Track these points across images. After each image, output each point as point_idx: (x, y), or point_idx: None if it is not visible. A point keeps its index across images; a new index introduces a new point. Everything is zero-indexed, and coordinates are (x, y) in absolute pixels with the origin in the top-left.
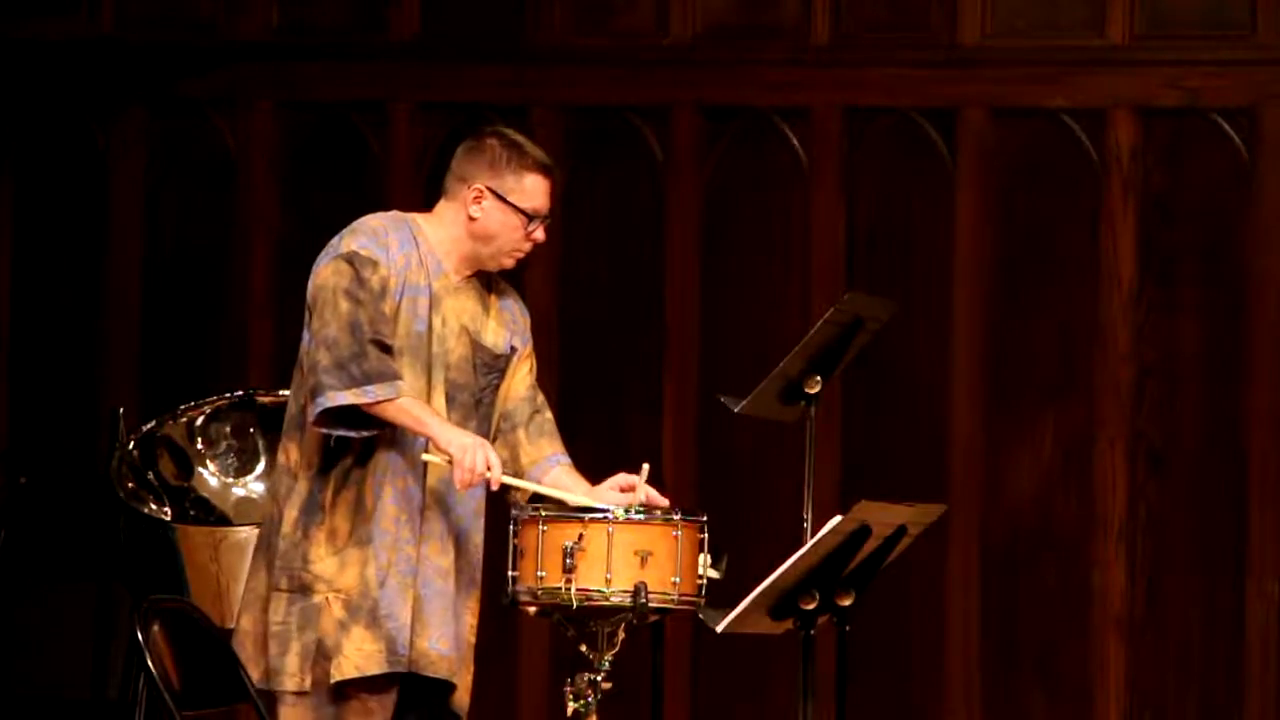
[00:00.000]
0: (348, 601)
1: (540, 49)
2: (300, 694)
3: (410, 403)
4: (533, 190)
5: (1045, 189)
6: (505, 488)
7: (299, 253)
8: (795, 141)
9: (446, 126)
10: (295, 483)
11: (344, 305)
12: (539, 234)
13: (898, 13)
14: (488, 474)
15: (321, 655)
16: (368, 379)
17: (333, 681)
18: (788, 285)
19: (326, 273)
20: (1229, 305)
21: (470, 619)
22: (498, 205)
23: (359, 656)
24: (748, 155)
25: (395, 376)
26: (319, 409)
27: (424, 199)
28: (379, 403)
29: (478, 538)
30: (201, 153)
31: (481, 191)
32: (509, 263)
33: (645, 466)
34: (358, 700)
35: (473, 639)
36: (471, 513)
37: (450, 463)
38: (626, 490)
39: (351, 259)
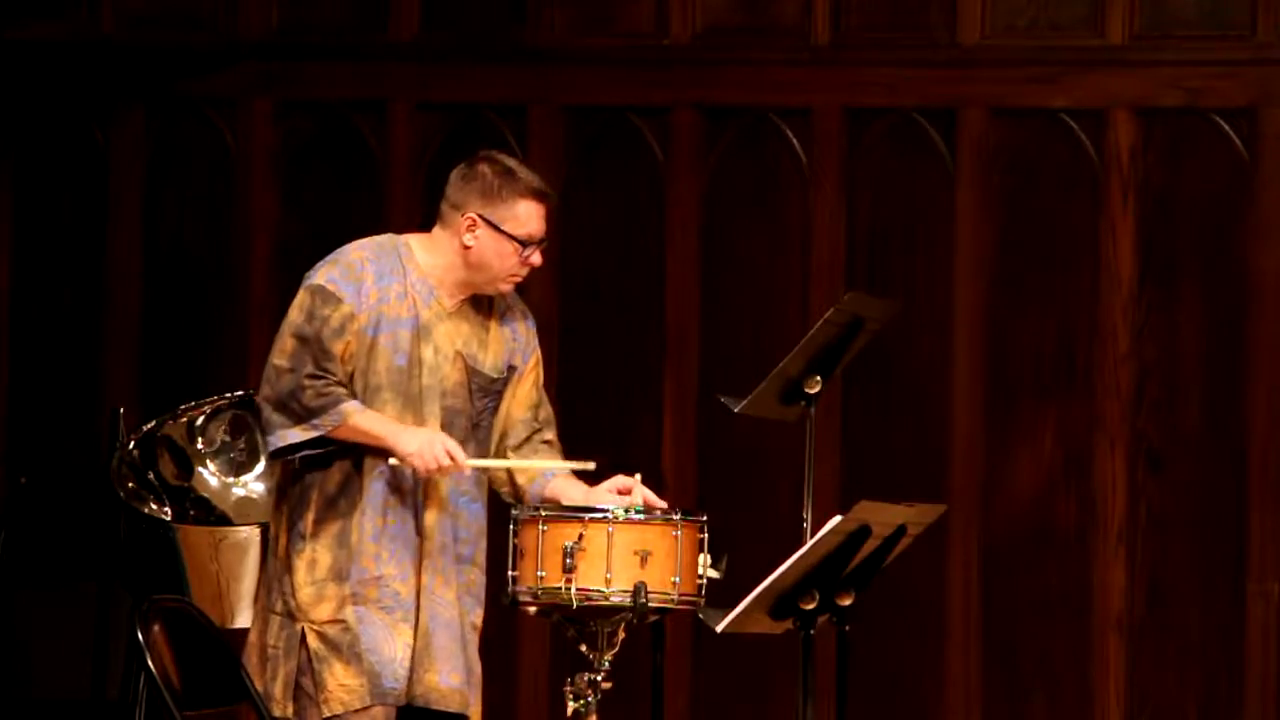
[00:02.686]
0: (323, 635)
1: (540, 49)
2: None
3: (359, 419)
4: (526, 217)
5: (1045, 189)
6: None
7: (299, 253)
8: (795, 141)
9: (446, 126)
10: (285, 503)
11: (290, 343)
12: (535, 259)
13: (898, 13)
14: (449, 462)
15: (303, 683)
16: (309, 413)
17: (324, 717)
18: (788, 285)
19: (296, 301)
20: (1229, 305)
21: (475, 637)
22: (491, 234)
23: (343, 693)
24: (748, 155)
25: (335, 403)
26: (272, 448)
27: (423, 199)
28: (328, 432)
29: (481, 556)
30: (201, 153)
31: (475, 220)
32: (505, 288)
33: (637, 476)
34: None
35: (478, 658)
36: (475, 534)
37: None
38: (623, 492)
39: (317, 292)
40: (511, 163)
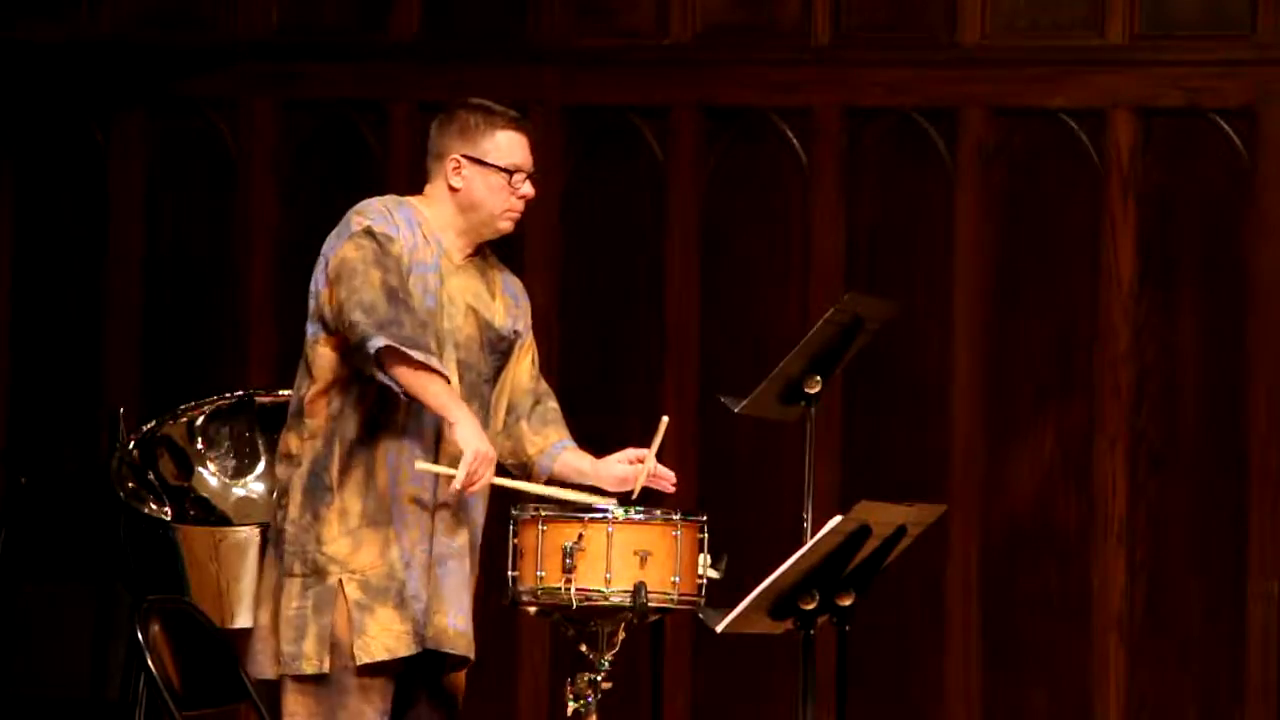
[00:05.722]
0: (364, 583)
1: (540, 49)
2: (318, 677)
3: (440, 383)
4: (508, 146)
5: (1045, 189)
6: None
7: (299, 253)
8: (795, 141)
9: None
10: (297, 468)
11: (375, 274)
12: (526, 189)
13: (898, 13)
14: (482, 479)
15: (338, 638)
16: (406, 342)
17: (359, 663)
18: (788, 285)
19: (348, 249)
20: (1229, 305)
21: (473, 585)
22: (477, 170)
23: (388, 638)
24: (748, 155)
25: (429, 348)
26: (372, 349)
27: None
28: (421, 366)
29: (480, 518)
30: (201, 153)
31: (459, 161)
32: (506, 226)
33: (664, 420)
34: (366, 680)
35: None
36: (482, 490)
37: (450, 467)
38: (635, 463)
39: (371, 233)
40: (486, 101)
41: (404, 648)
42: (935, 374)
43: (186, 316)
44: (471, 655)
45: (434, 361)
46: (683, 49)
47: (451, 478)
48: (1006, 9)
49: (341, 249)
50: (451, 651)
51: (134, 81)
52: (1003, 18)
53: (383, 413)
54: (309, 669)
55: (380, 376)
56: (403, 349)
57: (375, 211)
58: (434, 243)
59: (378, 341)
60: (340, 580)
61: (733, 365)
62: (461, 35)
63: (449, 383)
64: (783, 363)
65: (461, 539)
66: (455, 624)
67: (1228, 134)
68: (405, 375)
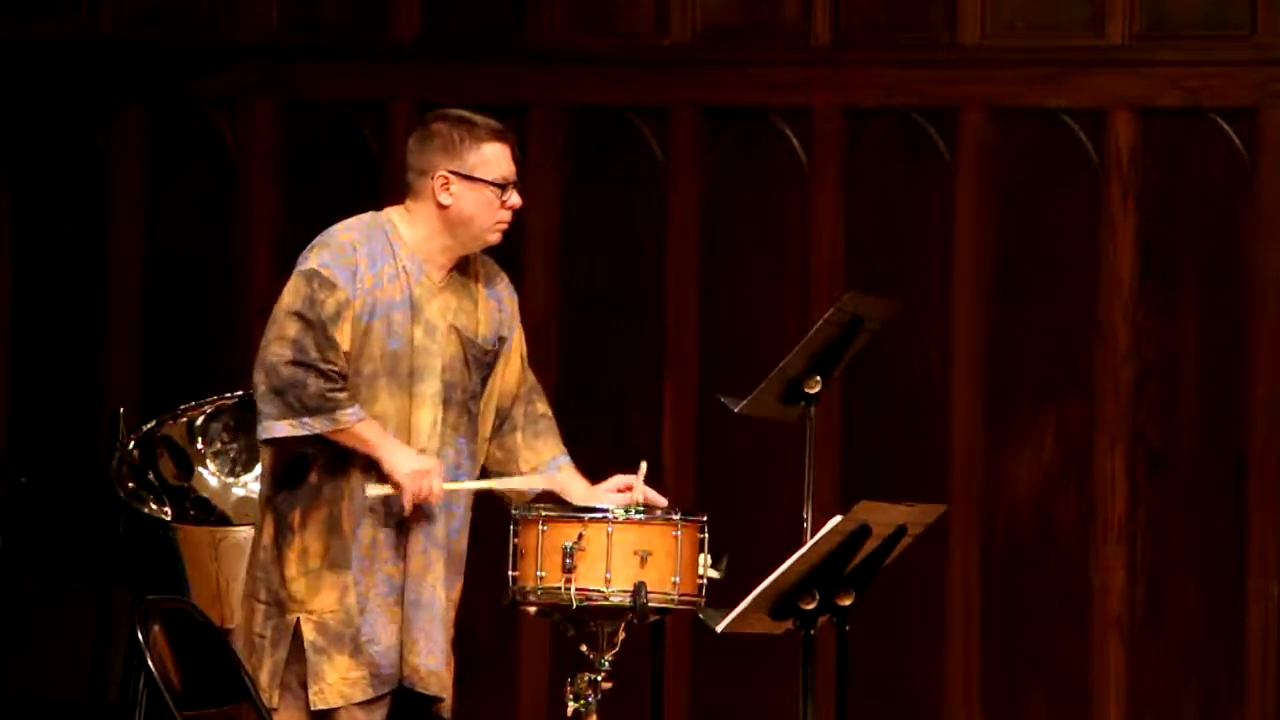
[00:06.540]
0: (322, 625)
1: (540, 49)
2: (272, 710)
3: (359, 429)
4: (495, 159)
5: (1045, 189)
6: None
7: (299, 253)
8: (795, 141)
9: None
10: (270, 493)
11: (291, 329)
12: (514, 200)
13: (898, 13)
14: (430, 494)
15: (291, 673)
16: (305, 410)
17: (314, 709)
18: (788, 285)
19: (288, 289)
20: (1229, 305)
21: (452, 613)
22: (466, 185)
23: (344, 685)
24: (748, 155)
25: (335, 408)
26: (259, 438)
27: None
28: (317, 435)
29: (463, 540)
30: (201, 153)
31: (446, 178)
32: (495, 238)
33: (643, 465)
34: (351, 707)
35: (452, 632)
36: (463, 510)
37: (397, 489)
38: (624, 490)
39: (311, 278)
40: (463, 112)
41: (360, 693)
42: (935, 374)
43: (186, 316)
44: (444, 695)
45: (324, 424)
46: (683, 49)
47: (410, 499)
48: (1006, 9)
49: (287, 285)
50: (424, 692)
51: (134, 81)
52: (1003, 18)
53: (348, 456)
54: (263, 700)
55: (292, 446)
56: (287, 433)
57: (335, 247)
58: (411, 269)
59: (261, 434)
60: (299, 619)
61: (733, 365)
62: (461, 35)
63: (358, 419)
64: (783, 363)
65: (435, 574)
66: (427, 664)
67: (1228, 134)
68: (314, 435)
